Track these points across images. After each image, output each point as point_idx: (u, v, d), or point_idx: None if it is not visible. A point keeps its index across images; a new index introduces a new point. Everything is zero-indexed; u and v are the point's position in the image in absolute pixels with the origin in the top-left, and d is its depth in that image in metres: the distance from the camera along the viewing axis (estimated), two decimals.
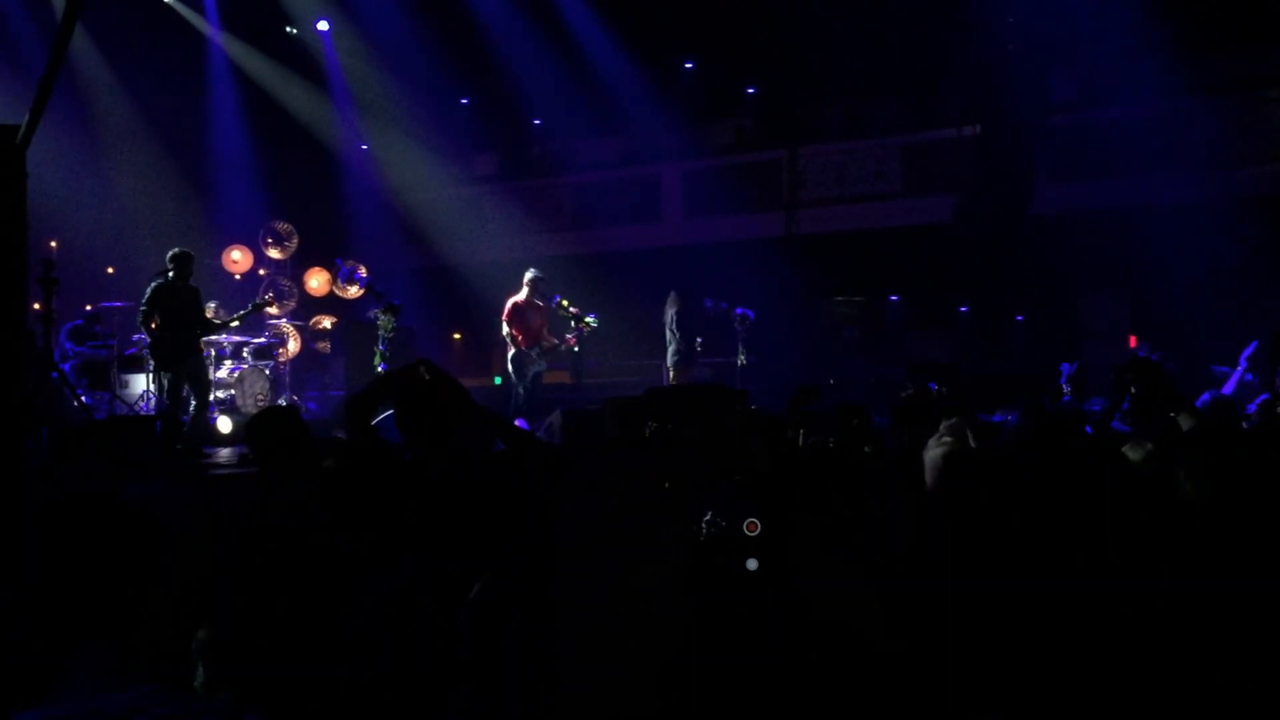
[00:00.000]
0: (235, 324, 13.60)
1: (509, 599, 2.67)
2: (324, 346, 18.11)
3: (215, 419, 12.98)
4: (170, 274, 11.60)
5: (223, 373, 14.31)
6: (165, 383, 11.57)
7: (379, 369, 13.49)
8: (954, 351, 18.44)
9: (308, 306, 18.26)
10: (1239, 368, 10.86)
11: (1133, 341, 17.69)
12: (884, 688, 2.57)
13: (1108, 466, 3.87)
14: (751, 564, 2.46)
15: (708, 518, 2.60)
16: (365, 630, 3.03)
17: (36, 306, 10.08)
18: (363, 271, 17.28)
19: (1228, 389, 10.84)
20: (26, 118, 7.25)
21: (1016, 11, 15.52)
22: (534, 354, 13.23)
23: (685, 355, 14.71)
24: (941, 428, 5.23)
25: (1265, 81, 18.00)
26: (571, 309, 13.42)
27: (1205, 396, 10.55)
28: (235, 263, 17.38)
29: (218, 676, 2.68)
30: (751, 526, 2.47)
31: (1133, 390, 6.03)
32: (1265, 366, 11.56)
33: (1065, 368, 11.05)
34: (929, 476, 4.76)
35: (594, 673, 1.69)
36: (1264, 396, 9.88)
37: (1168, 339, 14.85)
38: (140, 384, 14.20)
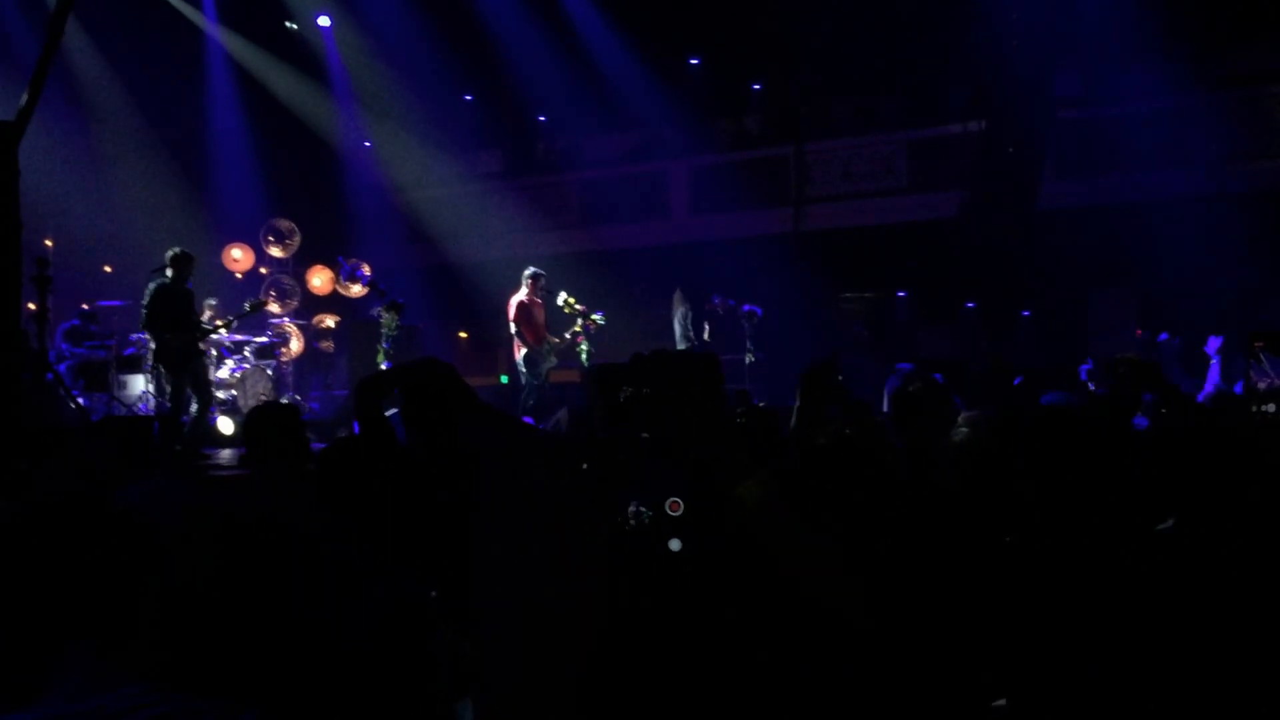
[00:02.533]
0: (232, 326, 13.52)
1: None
2: (327, 345, 18.05)
3: (216, 420, 12.90)
4: (169, 275, 11.49)
5: (224, 372, 14.21)
6: (166, 385, 11.48)
7: (383, 368, 13.42)
8: (962, 347, 18.39)
9: (310, 305, 18.19)
10: (1213, 360, 10.99)
11: (1138, 332, 17.69)
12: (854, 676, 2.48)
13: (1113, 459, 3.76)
14: (674, 544, 2.38)
15: (632, 508, 2.52)
16: (361, 628, 2.97)
17: (31, 306, 9.98)
18: (366, 269, 17.21)
19: (1210, 382, 10.92)
20: (18, 113, 7.14)
21: (1021, 7, 15.45)
22: (545, 350, 13.24)
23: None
24: (960, 419, 5.10)
25: (1269, 77, 18.03)
26: (578, 306, 13.41)
27: (1209, 389, 10.59)
28: (236, 261, 17.30)
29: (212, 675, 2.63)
30: (674, 506, 2.40)
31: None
32: (1242, 366, 11.64)
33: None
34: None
35: (517, 668, 1.60)
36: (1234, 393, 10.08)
37: (1172, 332, 14.83)
38: (138, 385, 14.08)
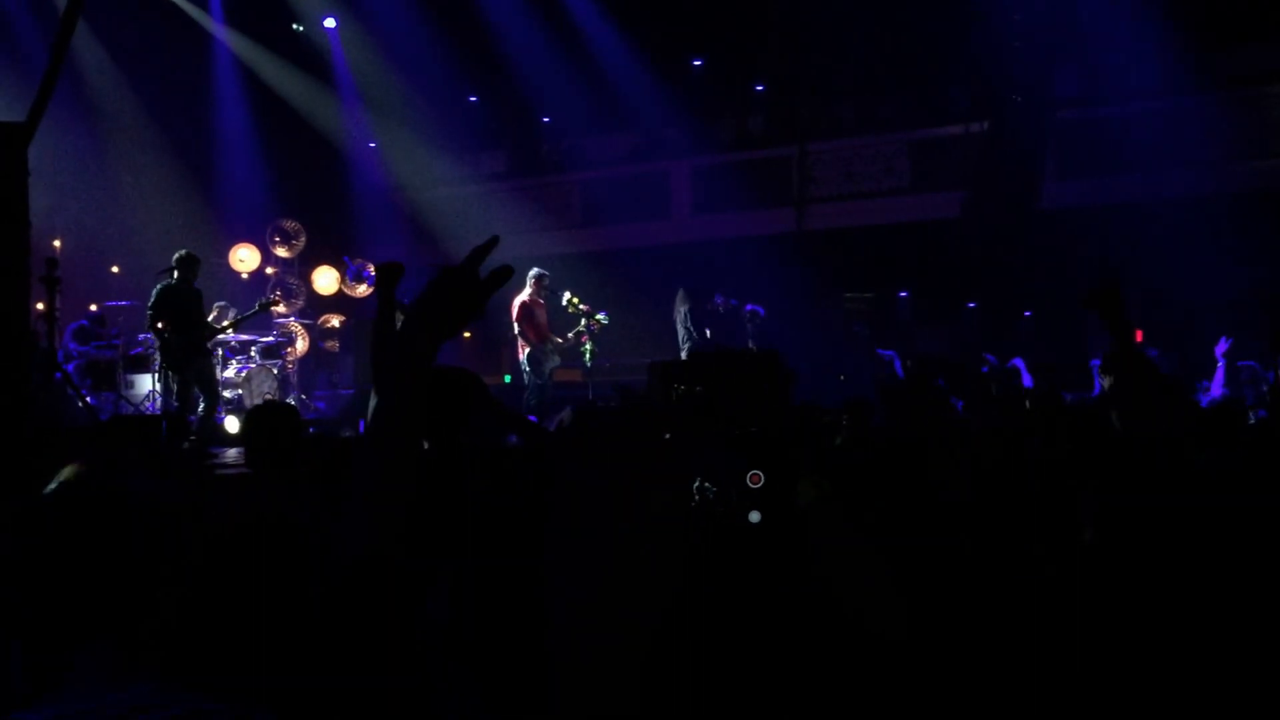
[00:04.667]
0: (240, 325, 13.60)
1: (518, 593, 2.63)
2: (332, 345, 18.12)
3: (222, 418, 12.98)
4: (175, 275, 11.63)
5: (230, 372, 14.30)
6: (173, 384, 11.58)
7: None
8: (963, 347, 18.42)
9: (316, 305, 18.26)
10: (1219, 364, 11.00)
11: (1139, 336, 17.68)
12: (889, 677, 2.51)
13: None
14: (754, 516, 2.39)
15: (697, 485, 2.54)
16: (372, 628, 3.00)
17: (40, 306, 10.06)
18: (371, 269, 17.28)
19: (1215, 388, 10.96)
20: (29, 114, 7.22)
21: (1022, 8, 15.49)
22: (548, 349, 13.30)
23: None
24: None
25: (1269, 77, 17.99)
26: (582, 306, 13.47)
27: (1215, 394, 10.63)
28: (242, 261, 17.37)
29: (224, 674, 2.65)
30: (755, 478, 2.41)
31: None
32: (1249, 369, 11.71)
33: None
34: None
35: (587, 648, 1.64)
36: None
37: (1173, 334, 14.85)
38: (146, 384, 14.18)
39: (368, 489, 2.25)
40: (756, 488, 2.41)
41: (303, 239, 17.54)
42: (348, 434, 9.28)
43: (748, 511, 2.42)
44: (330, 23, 19.63)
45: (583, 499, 1.71)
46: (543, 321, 13.41)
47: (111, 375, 14.32)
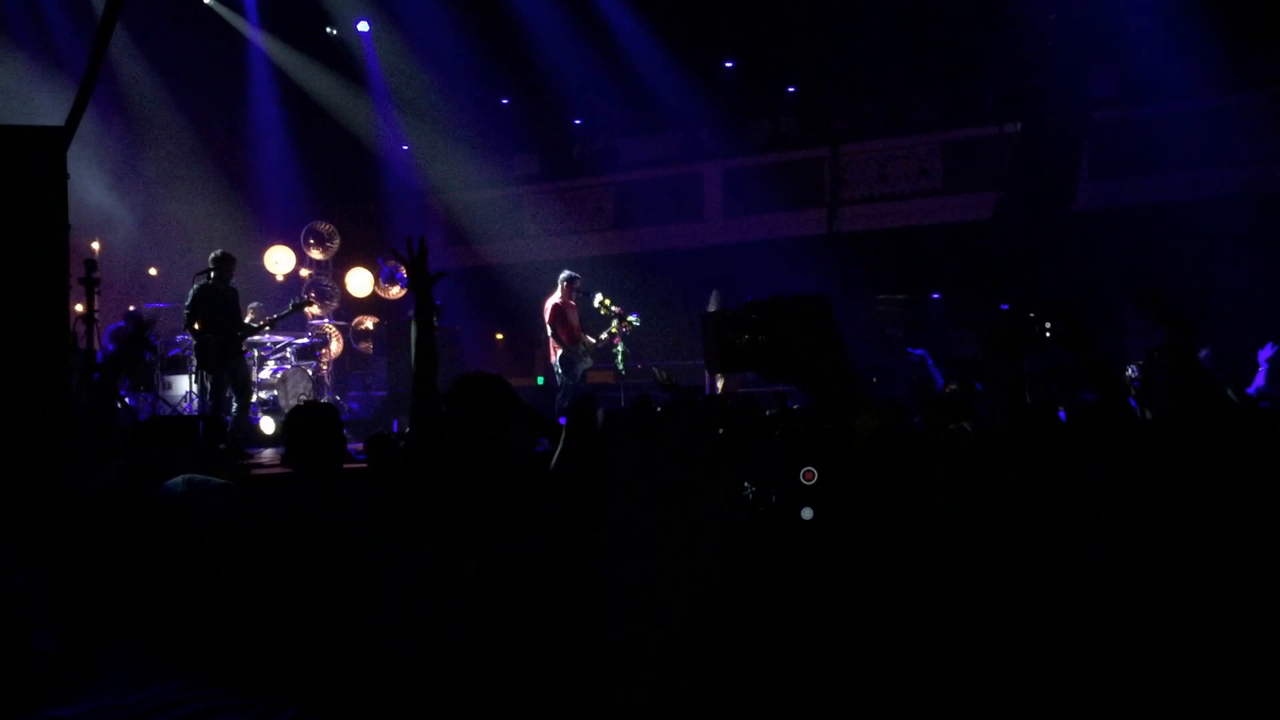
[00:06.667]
0: (276, 325, 13.69)
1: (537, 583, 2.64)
2: (366, 347, 18.20)
3: (258, 419, 13.07)
4: (212, 275, 11.72)
5: (265, 373, 14.39)
6: (208, 384, 11.67)
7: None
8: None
9: (350, 307, 18.35)
10: (1260, 369, 10.90)
11: None
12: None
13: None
14: (806, 513, 2.38)
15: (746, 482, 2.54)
16: (397, 625, 3.02)
17: (79, 307, 10.12)
18: (404, 272, 17.35)
19: (1254, 388, 10.85)
20: (68, 119, 7.30)
21: (1057, 7, 15.40)
22: (580, 351, 13.31)
23: None
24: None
25: None
26: (614, 308, 13.47)
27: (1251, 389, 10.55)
28: (277, 263, 17.47)
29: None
30: (808, 475, 2.40)
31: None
32: None
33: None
34: None
35: (637, 638, 1.65)
36: None
37: (1208, 335, 14.73)
38: (183, 385, 14.27)
39: None
40: (810, 484, 2.41)
41: (337, 241, 17.65)
42: (381, 430, 9.29)
43: (799, 508, 2.41)
44: (364, 26, 19.73)
45: (636, 494, 1.72)
46: (575, 323, 13.43)
47: (149, 376, 14.44)
